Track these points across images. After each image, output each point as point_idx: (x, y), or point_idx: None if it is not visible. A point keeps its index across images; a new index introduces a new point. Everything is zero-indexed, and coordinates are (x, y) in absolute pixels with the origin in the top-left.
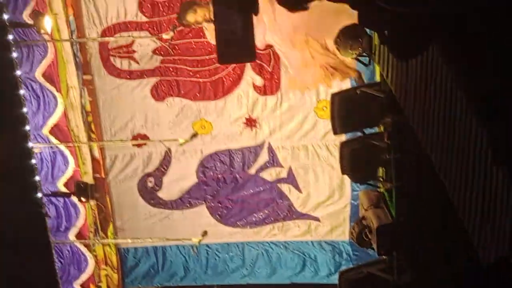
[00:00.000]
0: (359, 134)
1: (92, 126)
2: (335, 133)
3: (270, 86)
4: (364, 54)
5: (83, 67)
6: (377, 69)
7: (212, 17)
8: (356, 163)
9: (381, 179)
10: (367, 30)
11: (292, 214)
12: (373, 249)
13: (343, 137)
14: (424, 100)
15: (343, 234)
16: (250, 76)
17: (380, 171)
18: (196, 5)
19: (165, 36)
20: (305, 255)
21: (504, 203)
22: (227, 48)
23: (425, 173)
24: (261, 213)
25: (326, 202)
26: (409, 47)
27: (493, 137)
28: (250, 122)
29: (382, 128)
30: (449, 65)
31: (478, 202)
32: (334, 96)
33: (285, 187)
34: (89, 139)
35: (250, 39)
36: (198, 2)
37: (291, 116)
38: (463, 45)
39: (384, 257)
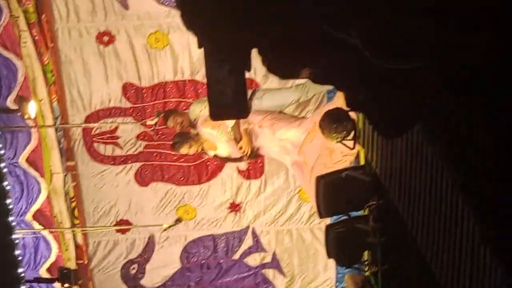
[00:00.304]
0: (344, 217)
1: (76, 212)
2: (321, 217)
3: (254, 170)
4: (349, 137)
5: (67, 153)
6: (362, 152)
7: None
8: (341, 247)
9: (367, 263)
10: (352, 113)
11: None
12: None
13: (328, 220)
14: (410, 181)
15: None
16: None
17: (366, 255)
18: (176, 113)
19: (149, 122)
20: None
21: (492, 284)
22: (219, 106)
23: (411, 255)
24: None
25: (311, 285)
26: (394, 126)
27: (480, 216)
28: (234, 207)
29: (367, 211)
30: (433, 146)
31: (466, 284)
32: (319, 179)
33: (269, 272)
34: (72, 225)
35: (242, 97)
36: (179, 111)
37: (275, 200)
38: (447, 124)
39: None
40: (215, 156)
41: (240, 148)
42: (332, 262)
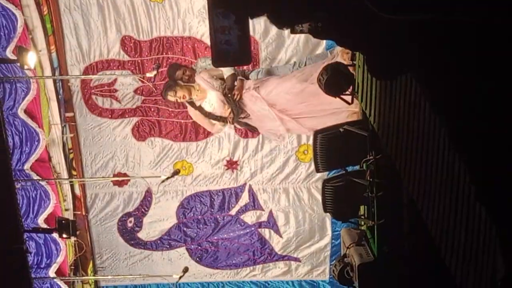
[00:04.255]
0: (341, 171)
1: (74, 163)
2: (318, 171)
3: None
4: (347, 92)
5: (66, 104)
6: (360, 107)
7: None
8: (338, 200)
9: (363, 217)
10: (350, 69)
11: (272, 256)
12: (354, 287)
13: (325, 176)
14: (407, 137)
15: (323, 273)
16: None
17: (362, 209)
18: (178, 85)
19: (148, 74)
20: None
21: (487, 242)
22: (224, 54)
23: (407, 211)
24: (241, 257)
25: (307, 243)
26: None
27: (476, 174)
28: (231, 165)
29: (364, 166)
30: (431, 102)
31: (461, 241)
32: (317, 133)
33: (265, 232)
34: (70, 176)
35: (247, 44)
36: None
37: (272, 159)
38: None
39: None
40: (200, 108)
41: (233, 95)
42: (328, 220)
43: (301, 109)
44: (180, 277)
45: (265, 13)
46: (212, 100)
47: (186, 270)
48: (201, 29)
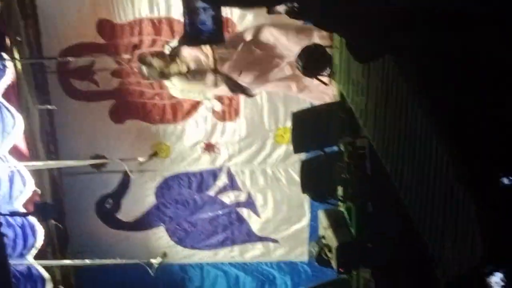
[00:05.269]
0: (319, 152)
1: (51, 147)
2: (296, 151)
3: (229, 112)
4: (324, 73)
5: (43, 87)
6: (337, 88)
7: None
8: (316, 181)
9: (341, 198)
10: (327, 50)
11: (250, 237)
12: (332, 268)
13: (303, 157)
14: (384, 118)
15: (301, 255)
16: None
17: (340, 190)
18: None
19: (125, 55)
20: (263, 276)
21: (465, 220)
22: (197, 34)
23: (385, 191)
24: (220, 236)
25: (285, 225)
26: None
27: (454, 154)
28: (209, 147)
29: (342, 147)
30: (408, 83)
31: (439, 219)
32: (295, 115)
33: (243, 211)
34: (48, 159)
35: (220, 25)
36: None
37: (250, 142)
38: (422, 60)
39: (343, 275)
40: (181, 74)
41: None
42: (306, 201)
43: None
44: (160, 263)
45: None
46: (188, 58)
47: (164, 255)
48: (178, 10)
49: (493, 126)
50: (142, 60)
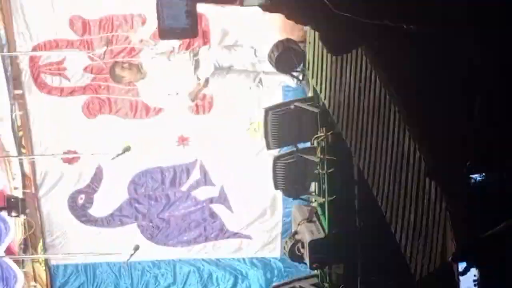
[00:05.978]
0: (292, 148)
1: (23, 141)
2: (269, 148)
3: (202, 106)
4: (298, 69)
5: (14, 81)
6: (311, 84)
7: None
8: (289, 177)
9: (314, 194)
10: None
11: (223, 233)
12: (305, 263)
13: (276, 153)
14: (357, 113)
15: (274, 250)
16: None
17: (313, 186)
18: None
19: (98, 50)
20: (236, 272)
21: (436, 217)
22: (172, 28)
23: (358, 187)
24: (192, 233)
25: (258, 220)
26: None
27: (426, 150)
28: (182, 141)
29: (315, 143)
30: (381, 78)
31: (411, 216)
32: (267, 110)
33: (216, 207)
34: (20, 153)
35: (195, 19)
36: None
37: (223, 136)
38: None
39: (316, 271)
40: None
41: None
42: (279, 197)
43: None
44: (131, 255)
45: None
46: None
47: (137, 248)
48: (152, 6)
49: (463, 123)
50: (112, 74)
